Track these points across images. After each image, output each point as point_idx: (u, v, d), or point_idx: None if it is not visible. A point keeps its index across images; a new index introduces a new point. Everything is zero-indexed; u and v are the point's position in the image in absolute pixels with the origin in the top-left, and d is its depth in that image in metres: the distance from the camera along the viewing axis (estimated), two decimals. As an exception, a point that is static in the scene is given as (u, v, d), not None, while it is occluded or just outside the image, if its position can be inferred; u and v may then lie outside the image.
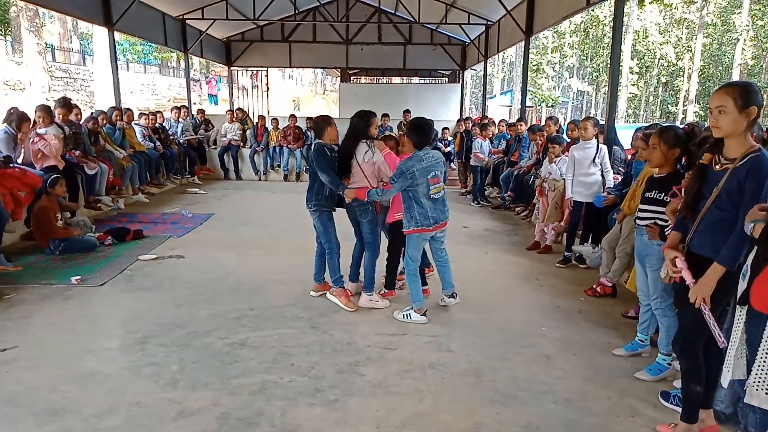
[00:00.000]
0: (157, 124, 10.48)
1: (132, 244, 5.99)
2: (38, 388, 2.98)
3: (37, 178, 5.94)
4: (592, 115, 8.99)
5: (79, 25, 26.88)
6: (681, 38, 37.11)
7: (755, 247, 2.10)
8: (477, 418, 2.78)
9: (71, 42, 26.15)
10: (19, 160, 6.24)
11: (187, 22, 13.31)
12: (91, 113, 8.51)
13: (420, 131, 3.94)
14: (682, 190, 2.86)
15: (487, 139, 9.58)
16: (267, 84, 18.91)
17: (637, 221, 3.26)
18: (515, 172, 8.40)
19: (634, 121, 35.42)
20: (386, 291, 4.48)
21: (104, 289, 4.60)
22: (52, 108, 6.68)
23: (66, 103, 7.17)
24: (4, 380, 3.06)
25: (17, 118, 6.18)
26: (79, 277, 4.76)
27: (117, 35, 10.53)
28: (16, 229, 5.91)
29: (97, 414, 2.74)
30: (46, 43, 19.73)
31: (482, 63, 14.73)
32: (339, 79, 22.47)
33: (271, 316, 4.05)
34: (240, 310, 4.15)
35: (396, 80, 27.80)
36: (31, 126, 6.32)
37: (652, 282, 3.18)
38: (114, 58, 10.19)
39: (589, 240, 5.55)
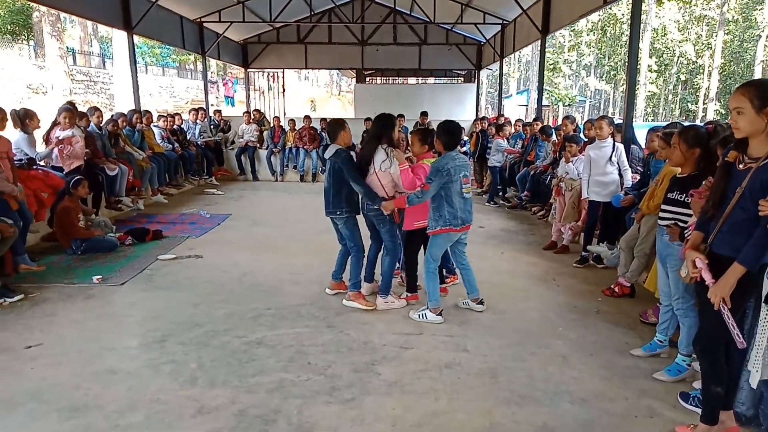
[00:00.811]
0: (175, 126, 10.62)
1: (151, 244, 6.08)
2: (61, 384, 3.05)
3: (59, 179, 6.06)
4: (607, 114, 8.91)
5: (99, 29, 27.33)
6: (701, 35, 36.53)
7: None
8: (492, 418, 2.78)
9: (91, 46, 26.60)
10: (42, 162, 6.35)
11: (205, 24, 13.46)
12: (111, 116, 8.65)
13: (450, 133, 3.99)
14: (701, 192, 2.84)
15: (505, 139, 9.54)
16: (283, 85, 19.04)
17: (659, 221, 3.22)
18: (531, 172, 8.35)
19: (653, 120, 34.95)
20: (409, 295, 4.44)
21: (124, 288, 4.68)
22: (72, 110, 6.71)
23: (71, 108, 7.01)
24: (29, 376, 3.13)
25: (19, 119, 6.18)
26: (100, 276, 4.85)
27: (136, 38, 10.68)
28: (40, 229, 6.03)
29: (118, 410, 2.80)
30: (67, 47, 20.10)
31: (498, 62, 14.66)
32: (354, 80, 22.52)
33: (288, 316, 4.09)
34: (257, 310, 4.19)
35: (411, 81, 27.83)
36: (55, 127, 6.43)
37: (673, 282, 3.15)
38: (133, 61, 10.34)
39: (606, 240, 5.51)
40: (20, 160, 6.02)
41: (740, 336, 2.24)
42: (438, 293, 4.06)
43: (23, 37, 24.03)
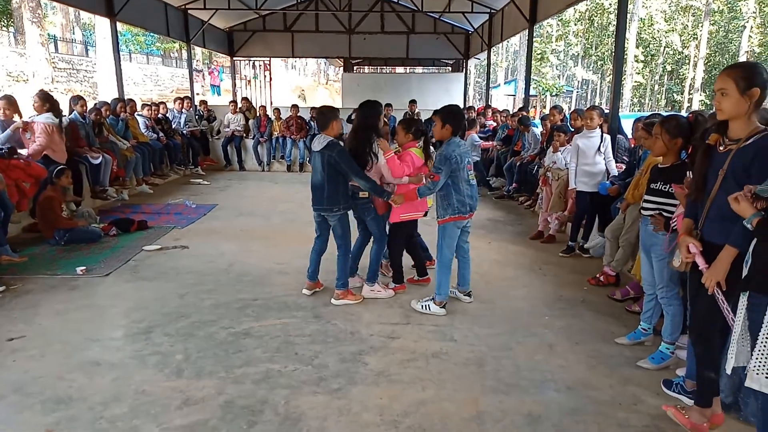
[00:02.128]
0: (160, 115, 10.47)
1: (136, 235, 6.02)
2: (45, 376, 3.01)
3: (41, 168, 5.95)
4: (597, 105, 8.96)
5: (81, 15, 26.83)
6: (687, 26, 36.77)
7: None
8: (479, 406, 2.80)
9: (74, 33, 26.10)
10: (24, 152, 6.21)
11: (189, 11, 13.26)
12: (95, 104, 8.51)
13: (456, 117, 3.91)
14: (683, 188, 2.86)
15: (476, 133, 9.90)
16: (270, 74, 18.85)
17: (642, 212, 3.25)
18: (518, 162, 8.37)
19: (639, 110, 35.22)
20: (396, 285, 4.43)
21: (109, 279, 4.63)
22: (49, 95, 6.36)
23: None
24: (11, 369, 3.09)
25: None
26: (84, 267, 4.78)
27: (119, 25, 10.50)
28: (21, 219, 5.94)
29: (102, 402, 2.77)
30: (48, 34, 19.70)
31: (486, 52, 14.65)
32: (342, 69, 22.38)
33: (275, 306, 4.07)
34: (243, 300, 4.17)
35: (399, 70, 27.68)
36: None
37: (657, 271, 3.18)
38: (116, 49, 10.16)
39: (594, 229, 5.54)
40: (0, 149, 5.90)
41: (734, 320, 2.27)
42: (448, 287, 4.02)
43: (2, 23, 23.51)
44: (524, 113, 9.20)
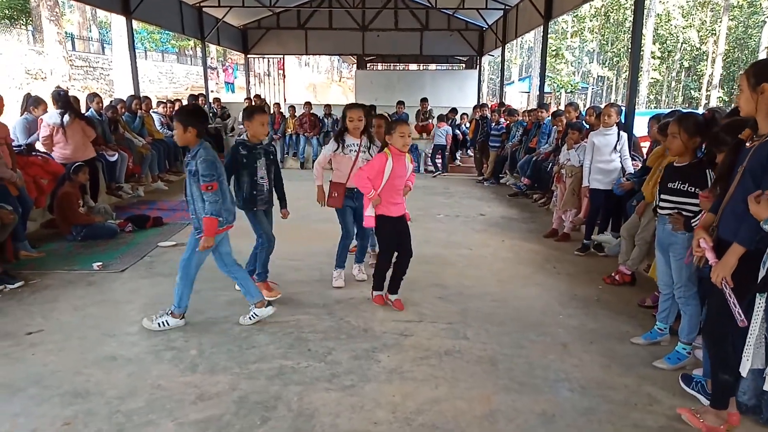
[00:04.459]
0: (175, 112, 10.55)
1: (152, 231, 6.08)
2: (63, 370, 3.05)
3: (58, 165, 6.04)
4: (615, 102, 8.87)
5: (97, 14, 27.13)
6: (705, 21, 36.21)
7: None
8: (492, 405, 2.79)
9: (90, 31, 26.39)
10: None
11: (204, 9, 13.34)
12: (111, 102, 8.61)
13: (197, 117, 3.45)
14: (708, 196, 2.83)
15: (443, 127, 11.04)
16: (283, 71, 18.92)
17: (659, 210, 3.20)
18: (533, 159, 8.32)
19: (655, 107, 34.78)
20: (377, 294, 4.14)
21: (125, 275, 4.68)
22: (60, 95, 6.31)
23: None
24: (31, 362, 3.14)
25: (33, 101, 6.25)
26: (100, 263, 4.84)
27: (135, 23, 10.59)
28: (39, 216, 6.02)
29: (119, 396, 2.81)
30: (65, 33, 19.94)
31: (500, 49, 14.55)
32: (355, 66, 22.37)
33: (288, 302, 4.09)
34: (257, 297, 4.19)
35: (412, 67, 27.61)
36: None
37: (676, 271, 3.14)
38: (132, 47, 10.26)
39: (609, 228, 5.50)
40: (19, 146, 6.00)
41: (741, 315, 2.24)
42: (187, 299, 3.65)
43: (21, 22, 23.83)
44: (543, 111, 9.12)
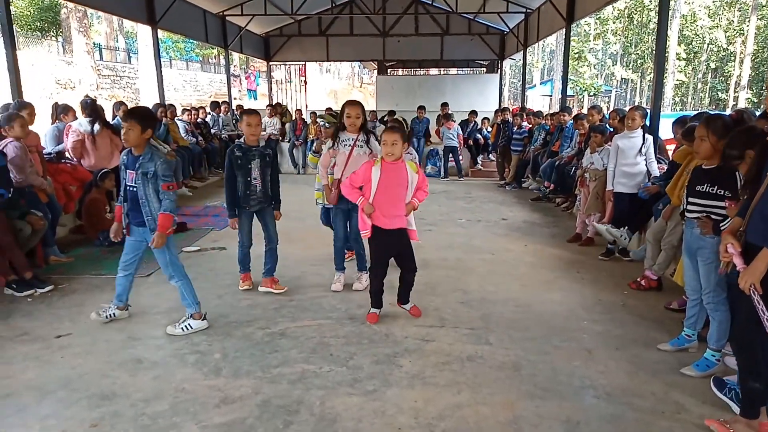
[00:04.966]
0: (199, 120, 10.73)
1: (176, 237, 6.13)
2: (90, 373, 3.12)
3: (86, 172, 6.18)
4: (640, 105, 8.73)
5: (124, 24, 27.74)
6: (732, 21, 35.47)
7: None
8: (515, 411, 2.76)
9: (117, 41, 26.99)
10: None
11: (227, 18, 13.54)
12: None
13: (152, 118, 3.65)
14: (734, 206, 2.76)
15: (452, 128, 11.15)
16: (305, 78, 19.09)
17: (687, 214, 3.14)
18: (556, 163, 8.23)
19: (681, 109, 34.16)
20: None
21: (150, 279, 4.75)
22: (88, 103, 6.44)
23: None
24: (59, 365, 3.21)
25: (62, 109, 6.42)
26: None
27: (160, 33, 10.81)
28: (68, 222, 6.16)
29: (144, 399, 2.85)
30: (94, 43, 20.46)
31: (521, 52, 14.46)
32: (376, 71, 22.46)
33: (310, 307, 4.11)
34: (279, 301, 4.23)
35: (433, 71, 27.61)
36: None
37: (705, 276, 3.07)
38: (157, 56, 10.46)
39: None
40: (49, 153, 6.16)
41: None
42: (194, 296, 3.74)
43: (52, 33, 24.52)
44: (565, 114, 9.01)
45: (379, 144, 3.98)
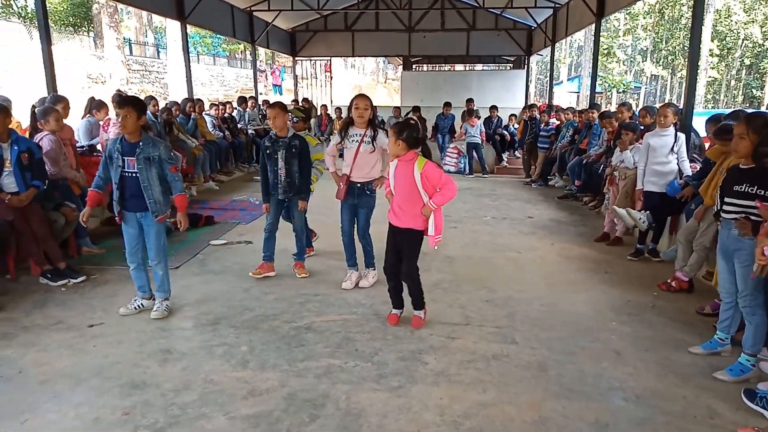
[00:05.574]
0: (226, 114, 10.84)
1: (204, 230, 6.26)
2: (122, 362, 3.19)
3: (118, 165, 6.29)
4: (672, 102, 8.53)
5: (153, 19, 28.18)
6: (769, 16, 34.41)
7: None
8: (542, 411, 2.73)
9: (146, 36, 27.44)
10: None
11: (255, 13, 13.65)
12: (166, 104, 8.92)
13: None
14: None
15: (475, 125, 11.13)
16: (330, 73, 19.14)
17: (723, 215, 3.06)
18: (584, 161, 8.11)
19: (713, 107, 33.31)
20: (420, 312, 3.81)
21: (179, 272, 4.83)
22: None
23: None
24: (93, 354, 3.29)
25: (97, 105, 6.56)
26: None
27: (189, 28, 10.94)
28: (99, 214, 6.29)
29: (174, 389, 2.90)
30: (124, 38, 20.82)
31: (549, 48, 14.26)
32: (401, 67, 22.39)
33: (335, 302, 4.13)
34: (305, 296, 4.26)
35: (459, 67, 27.40)
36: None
37: (742, 278, 2.99)
38: (186, 51, 10.61)
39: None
40: (82, 146, 6.30)
41: None
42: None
43: (84, 29, 25.03)
44: (593, 111, 8.85)
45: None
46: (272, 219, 4.63)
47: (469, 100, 12.69)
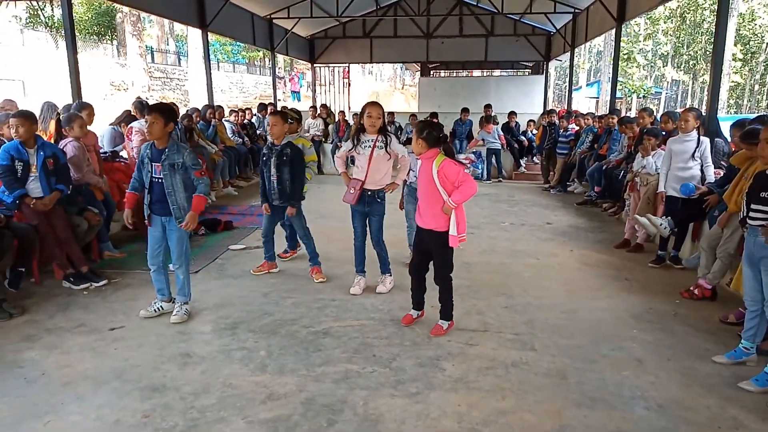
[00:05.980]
0: (245, 121, 10.96)
1: (223, 235, 6.32)
2: (142, 365, 3.22)
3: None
4: (694, 107, 8.38)
5: (175, 27, 28.66)
6: (795, 20, 33.72)
7: None
8: (562, 420, 2.69)
9: (168, 44, 27.90)
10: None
11: (274, 21, 13.81)
12: (186, 111, 9.05)
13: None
14: None
15: (492, 131, 11.11)
16: (348, 79, 19.24)
17: (749, 221, 3.00)
18: (604, 167, 8.02)
19: (736, 112, 32.73)
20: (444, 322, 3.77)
21: (198, 276, 4.88)
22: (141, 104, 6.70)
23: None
24: (114, 357, 3.34)
25: (126, 117, 6.69)
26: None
27: (210, 36, 11.10)
28: (121, 219, 6.39)
29: (193, 393, 2.92)
30: (146, 46, 21.20)
31: (568, 53, 14.16)
32: (419, 73, 22.43)
33: (353, 308, 4.14)
34: (322, 300, 4.27)
35: (476, 73, 27.36)
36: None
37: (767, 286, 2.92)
38: (207, 58, 10.77)
39: (687, 238, 5.21)
40: (105, 152, 6.41)
41: None
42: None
43: (107, 37, 25.56)
44: (613, 117, 8.76)
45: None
46: (267, 223, 4.86)
47: (487, 106, 12.63)
